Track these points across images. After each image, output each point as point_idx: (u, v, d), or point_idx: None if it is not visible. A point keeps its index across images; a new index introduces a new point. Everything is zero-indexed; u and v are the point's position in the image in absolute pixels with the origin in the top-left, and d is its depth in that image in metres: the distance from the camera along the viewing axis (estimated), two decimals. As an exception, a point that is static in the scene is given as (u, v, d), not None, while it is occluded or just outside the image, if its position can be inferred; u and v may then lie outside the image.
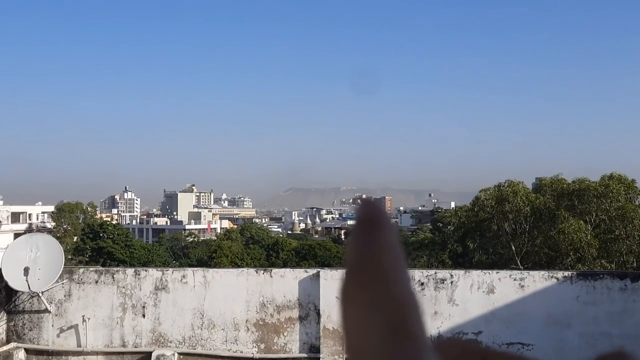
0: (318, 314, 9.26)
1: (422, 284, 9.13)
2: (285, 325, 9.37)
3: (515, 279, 8.94)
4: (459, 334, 8.97)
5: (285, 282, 9.42)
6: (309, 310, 9.35)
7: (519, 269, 30.52)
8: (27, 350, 9.71)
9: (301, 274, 9.44)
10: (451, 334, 9.00)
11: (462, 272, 9.21)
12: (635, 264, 29.24)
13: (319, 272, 9.34)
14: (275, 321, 9.40)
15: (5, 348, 9.50)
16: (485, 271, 9.20)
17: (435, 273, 9.22)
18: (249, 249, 74.59)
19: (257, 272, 9.54)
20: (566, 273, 8.94)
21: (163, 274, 9.71)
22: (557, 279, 8.88)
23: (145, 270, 9.85)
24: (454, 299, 9.05)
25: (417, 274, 9.21)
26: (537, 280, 8.90)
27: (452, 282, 9.08)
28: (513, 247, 31.76)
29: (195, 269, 9.79)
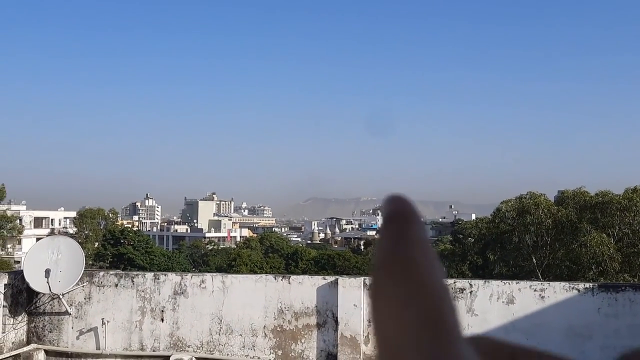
0: (336, 321, 9.24)
1: (441, 293, 9.06)
2: (302, 332, 9.36)
3: (535, 290, 8.84)
4: (477, 345, 8.88)
5: (304, 289, 9.41)
6: (326, 318, 9.33)
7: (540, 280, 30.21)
8: (47, 352, 9.81)
9: (319, 281, 9.43)
10: (470, 344, 8.90)
11: (481, 282, 9.13)
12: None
13: (337, 279, 9.32)
14: (292, 328, 9.39)
15: (25, 349, 9.60)
16: (505, 281, 9.12)
17: (455, 282, 9.15)
18: (268, 258, 74.71)
19: (275, 279, 9.55)
20: (587, 284, 8.82)
21: (182, 278, 9.76)
22: (578, 290, 8.76)
23: (165, 275, 9.91)
24: (473, 309, 8.98)
25: (436, 283, 9.14)
26: (558, 292, 8.80)
27: (471, 292, 9.01)
28: (534, 260, 31.43)
29: (214, 274, 9.84)
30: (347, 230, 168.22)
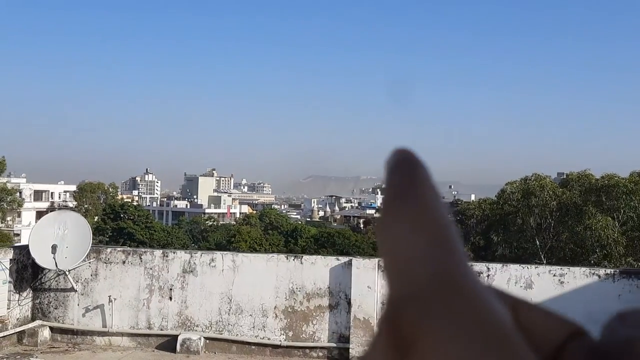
0: (349, 303, 9.03)
1: (458, 276, 8.85)
2: (314, 314, 9.16)
3: (554, 275, 8.63)
4: (493, 329, 8.69)
5: (316, 270, 9.19)
6: (339, 299, 9.12)
7: (542, 263, 30.10)
8: (52, 329, 9.62)
9: (333, 261, 9.21)
10: (486, 328, 8.72)
11: (499, 265, 8.91)
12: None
13: (351, 260, 9.10)
14: (304, 309, 9.18)
15: (30, 326, 9.41)
16: (524, 265, 8.91)
17: (472, 266, 8.90)
18: (267, 235, 74.60)
19: (287, 258, 9.32)
20: (608, 270, 8.61)
21: (191, 256, 9.53)
22: (599, 276, 8.55)
23: (174, 253, 9.68)
24: (489, 293, 8.76)
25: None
26: (578, 277, 8.58)
27: (488, 276, 8.79)
28: (537, 242, 31.24)
29: (225, 252, 9.60)
30: (347, 209, 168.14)
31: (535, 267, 8.76)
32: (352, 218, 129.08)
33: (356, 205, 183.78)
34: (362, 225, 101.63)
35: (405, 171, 0.49)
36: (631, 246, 28.91)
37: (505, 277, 8.74)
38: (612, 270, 8.62)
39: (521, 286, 8.67)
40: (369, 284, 8.96)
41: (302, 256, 9.40)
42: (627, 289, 8.41)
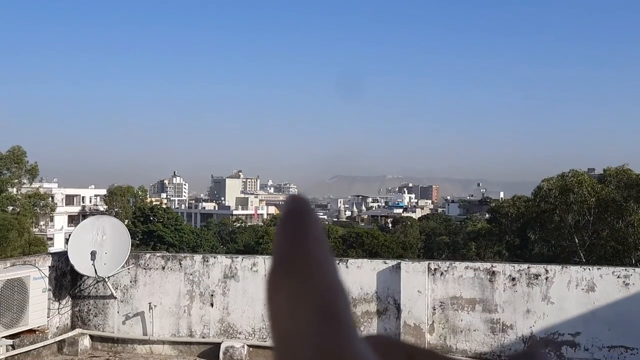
0: (398, 308, 8.62)
1: (514, 279, 8.38)
2: (362, 320, 8.76)
3: (618, 277, 8.10)
4: (554, 335, 8.21)
5: (363, 274, 8.80)
6: (387, 305, 8.71)
7: (582, 262, 29.24)
8: (92, 337, 9.37)
9: (380, 265, 8.80)
10: (545, 334, 8.25)
11: (558, 267, 8.41)
12: None
13: (399, 263, 8.68)
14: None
15: (70, 334, 9.17)
16: (585, 267, 8.39)
17: (529, 268, 8.44)
18: (296, 236, 74.40)
19: (332, 262, 8.93)
20: (677, 271, 8.05)
21: (232, 261, 9.20)
22: (667, 277, 8.00)
23: (214, 257, 9.36)
24: (549, 297, 8.28)
25: (509, 269, 8.45)
26: (644, 279, 8.05)
27: (547, 278, 8.31)
28: (576, 239, 30.42)
29: (267, 256, 9.25)
30: (374, 208, 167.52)
31: (598, 269, 8.24)
32: (379, 218, 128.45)
33: (383, 204, 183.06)
34: (390, 225, 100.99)
35: (292, 227, 0.46)
36: (676, 243, 28.01)
37: (565, 280, 8.24)
38: (682, 271, 8.07)
39: (582, 289, 8.17)
40: (419, 289, 8.54)
41: (348, 259, 9.00)
42: (698, 290, 7.86)
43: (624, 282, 8.08)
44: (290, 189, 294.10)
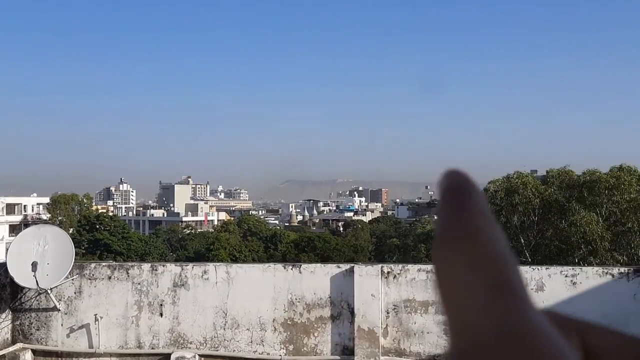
0: (352, 313, 8.55)
1: (465, 280, 8.43)
2: (315, 325, 8.67)
3: (566, 276, 8.24)
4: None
5: (316, 279, 8.70)
6: (341, 309, 8.64)
7: (528, 262, 29.92)
8: (34, 352, 8.99)
9: (333, 269, 8.72)
10: (497, 334, 8.31)
11: (508, 267, 8.50)
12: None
13: (352, 267, 8.62)
14: (304, 320, 8.68)
15: (11, 349, 8.77)
16: (534, 267, 8.50)
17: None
18: (247, 241, 74.03)
19: (285, 268, 8.81)
20: (622, 269, 8.25)
21: (182, 269, 8.97)
22: (612, 275, 8.19)
23: (163, 266, 9.11)
24: (499, 297, 8.35)
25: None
26: (590, 277, 8.21)
27: (497, 279, 8.38)
28: (522, 240, 31.12)
29: (218, 264, 9.06)
30: (325, 212, 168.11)
31: (547, 268, 8.37)
32: (330, 221, 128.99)
33: (334, 208, 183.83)
34: (341, 228, 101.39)
35: (457, 200, 0.45)
36: (616, 241, 28.91)
37: (515, 280, 8.33)
38: (626, 269, 8.25)
39: (532, 288, 8.28)
40: (373, 292, 8.49)
41: (301, 265, 8.89)
42: (642, 287, 8.06)
43: (571, 281, 8.22)
44: (241, 195, 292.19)
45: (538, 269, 8.40)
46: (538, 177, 39.03)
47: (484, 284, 0.42)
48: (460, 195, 0.45)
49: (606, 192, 29.85)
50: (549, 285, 8.26)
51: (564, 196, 30.99)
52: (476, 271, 0.42)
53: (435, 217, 0.46)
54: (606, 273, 8.21)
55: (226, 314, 8.79)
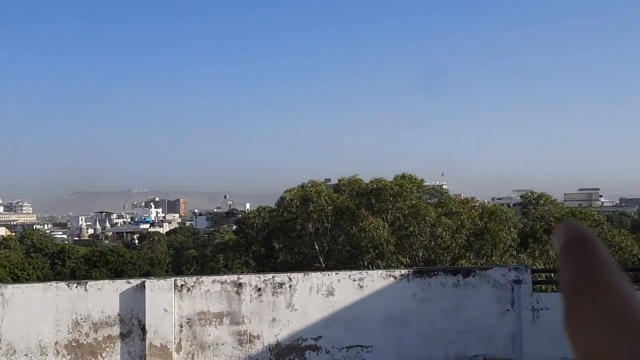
0: (143, 329, 8.17)
1: (260, 289, 8.48)
2: (103, 345, 8.14)
3: (354, 280, 8.66)
4: (298, 341, 8.47)
5: (104, 296, 8.19)
6: (132, 326, 8.22)
7: (322, 267, 31.20)
8: None
9: (123, 285, 8.27)
10: (290, 340, 8.47)
11: (301, 275, 8.71)
12: (426, 258, 31.33)
13: (144, 282, 8.25)
14: (91, 341, 8.12)
15: None
16: (325, 273, 8.82)
17: (273, 277, 8.61)
18: (30, 258, 68.25)
19: (69, 286, 8.17)
20: (403, 271, 8.85)
21: (-56, 293, 7.92)
22: (395, 277, 8.76)
23: None
24: (292, 304, 8.52)
25: (255, 280, 8.53)
26: (376, 280, 8.71)
27: (290, 286, 8.55)
28: (317, 246, 32.33)
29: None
30: (119, 225, 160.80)
31: (336, 274, 8.71)
32: (125, 234, 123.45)
33: (129, 220, 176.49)
34: (137, 241, 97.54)
35: (582, 254, 0.45)
36: (399, 244, 31.19)
37: (307, 286, 8.56)
38: (407, 270, 8.87)
39: (323, 294, 8.57)
40: (165, 307, 8.19)
41: (87, 282, 8.30)
42: (420, 287, 8.71)
43: (359, 284, 8.64)
44: (24, 208, 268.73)
45: (329, 275, 8.73)
46: (331, 185, 40.96)
47: (627, 341, 0.40)
48: (584, 248, 0.44)
49: (391, 199, 32.13)
50: (339, 290, 8.61)
51: (354, 203, 32.79)
52: (624, 328, 0.40)
53: (560, 271, 0.45)
54: (389, 275, 8.75)
55: (1, 340, 7.92)
